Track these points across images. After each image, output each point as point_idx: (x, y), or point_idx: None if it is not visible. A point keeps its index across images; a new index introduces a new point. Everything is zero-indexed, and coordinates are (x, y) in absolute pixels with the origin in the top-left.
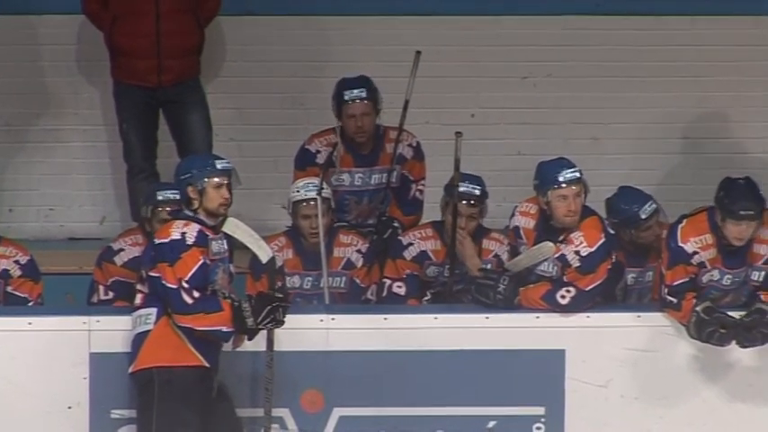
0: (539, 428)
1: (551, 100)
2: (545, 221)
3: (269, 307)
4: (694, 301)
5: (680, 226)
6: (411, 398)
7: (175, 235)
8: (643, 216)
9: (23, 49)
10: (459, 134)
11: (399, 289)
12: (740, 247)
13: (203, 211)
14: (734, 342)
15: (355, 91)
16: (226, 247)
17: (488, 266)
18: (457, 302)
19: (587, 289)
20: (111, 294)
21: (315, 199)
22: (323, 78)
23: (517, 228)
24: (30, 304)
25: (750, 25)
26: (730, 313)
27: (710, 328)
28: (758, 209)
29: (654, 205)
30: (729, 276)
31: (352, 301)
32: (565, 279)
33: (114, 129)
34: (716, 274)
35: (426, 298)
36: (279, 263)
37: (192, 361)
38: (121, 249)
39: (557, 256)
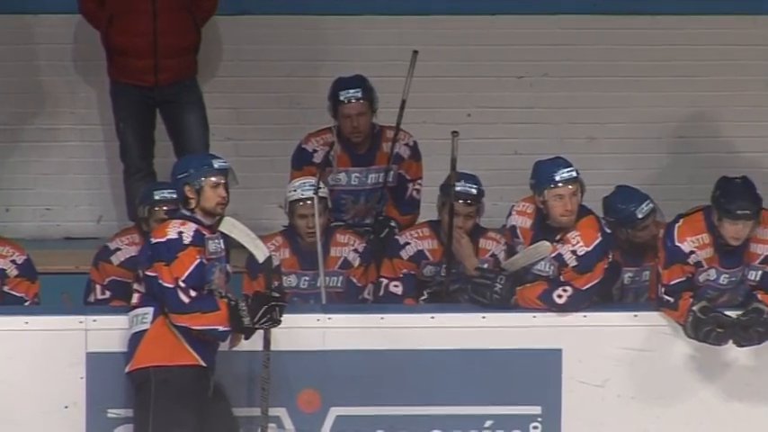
0: (535, 428)
1: (548, 99)
2: (542, 221)
3: (266, 306)
4: (691, 300)
5: (677, 225)
6: (408, 397)
7: (172, 234)
8: (640, 215)
9: (20, 49)
10: (455, 133)
11: (396, 288)
12: (737, 247)
13: (200, 210)
14: (731, 341)
15: (351, 91)
16: (222, 246)
17: (485, 266)
18: (454, 302)
19: (584, 288)
20: (107, 294)
21: (312, 198)
22: (319, 78)
23: (514, 227)
24: (26, 304)
25: (746, 25)
26: (727, 312)
27: (707, 328)
28: (755, 208)
29: (651, 205)
30: (726, 276)
31: (348, 300)
32: (562, 278)
33: (111, 128)
34: (713, 274)
35: (423, 297)
36: (276, 262)
37: (188, 360)
38: (118, 249)
39: (553, 255)
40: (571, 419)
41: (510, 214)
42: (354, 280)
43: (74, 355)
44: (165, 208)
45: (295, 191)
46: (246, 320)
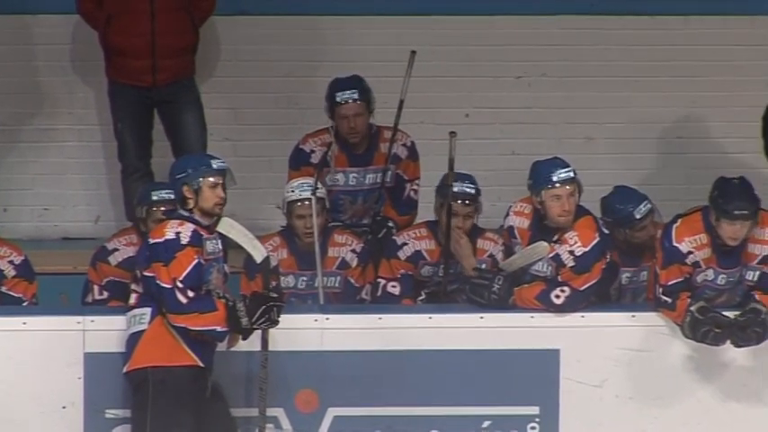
0: (533, 428)
1: (546, 100)
2: (539, 221)
3: (263, 307)
4: (689, 300)
5: (674, 226)
6: (405, 398)
7: (170, 234)
8: (638, 216)
9: (18, 49)
10: (453, 134)
11: (394, 289)
12: (735, 247)
13: (198, 210)
14: (728, 342)
15: (347, 92)
16: (220, 246)
17: (483, 266)
18: (451, 302)
19: (582, 289)
20: (105, 294)
21: (309, 199)
22: (317, 78)
23: (511, 227)
24: (24, 304)
25: (744, 25)
26: (725, 313)
27: (705, 328)
28: (752, 208)
29: (649, 205)
30: (724, 276)
31: (346, 300)
32: (559, 279)
33: (109, 128)
34: (710, 274)
35: (421, 298)
36: (273, 263)
37: (186, 361)
38: (116, 249)
39: (551, 255)
40: (569, 420)
41: (508, 215)
42: (352, 280)
43: (72, 355)
44: (162, 208)
45: (293, 191)
46: (244, 321)
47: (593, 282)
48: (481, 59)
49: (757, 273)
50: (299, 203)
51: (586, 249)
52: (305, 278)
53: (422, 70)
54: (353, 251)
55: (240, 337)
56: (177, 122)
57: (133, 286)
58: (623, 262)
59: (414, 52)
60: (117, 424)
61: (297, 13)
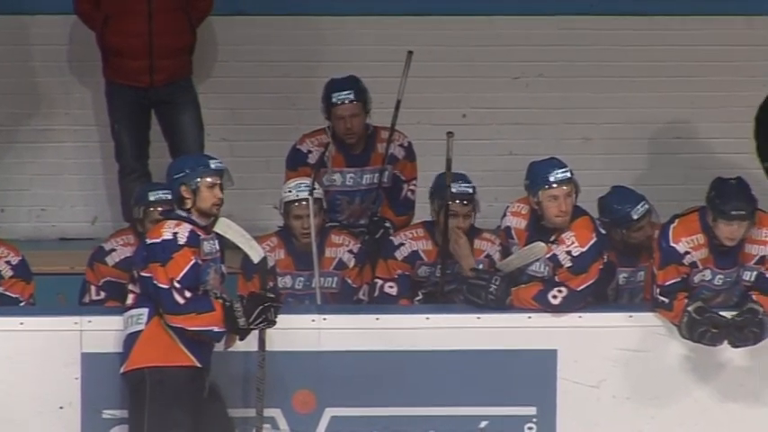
0: (530, 428)
1: (543, 100)
2: (536, 222)
3: (261, 307)
4: (686, 301)
5: (672, 226)
6: (403, 398)
7: (167, 235)
8: (635, 216)
9: (15, 50)
10: (450, 134)
11: (391, 289)
12: (732, 248)
13: (196, 210)
14: (725, 342)
15: (343, 93)
16: (217, 247)
17: (480, 266)
18: (448, 302)
19: (579, 289)
20: (102, 294)
21: (306, 199)
22: (315, 78)
23: (508, 228)
24: (21, 304)
25: (742, 25)
26: (722, 313)
27: (702, 328)
28: (749, 209)
29: (646, 206)
30: (721, 276)
31: (343, 301)
32: (556, 279)
33: (106, 129)
34: (707, 274)
35: (418, 298)
36: (270, 263)
37: (183, 361)
38: (113, 250)
39: (548, 256)
40: (566, 420)
41: (505, 215)
42: (349, 281)
43: (69, 355)
44: (159, 209)
45: (290, 192)
46: (241, 321)
47: (591, 282)
48: (478, 60)
49: (754, 273)
50: (296, 204)
51: (583, 250)
52: (302, 278)
53: (419, 70)
54: (351, 251)
55: (237, 337)
56: (174, 123)
57: (130, 287)
58: (620, 262)
59: (410, 52)
60: (114, 424)
61: (294, 14)
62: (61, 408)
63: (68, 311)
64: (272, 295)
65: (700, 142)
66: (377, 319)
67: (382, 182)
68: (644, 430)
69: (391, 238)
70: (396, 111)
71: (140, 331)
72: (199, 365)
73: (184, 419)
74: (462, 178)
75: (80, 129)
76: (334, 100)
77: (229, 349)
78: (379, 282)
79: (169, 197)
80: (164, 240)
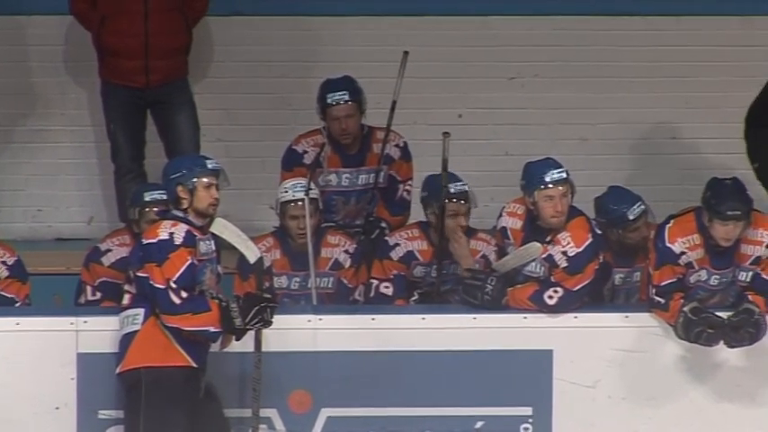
0: (526, 429)
1: (539, 100)
2: (532, 222)
3: (257, 307)
4: (682, 301)
5: (667, 226)
6: (399, 398)
7: (163, 235)
8: (631, 217)
9: (11, 50)
10: (446, 134)
11: (387, 289)
12: (728, 248)
13: (192, 211)
14: (721, 342)
15: (338, 93)
16: (213, 247)
17: (476, 267)
18: (444, 303)
19: (575, 289)
20: (98, 295)
21: (302, 199)
22: (311, 79)
23: (504, 228)
24: (17, 305)
25: (737, 25)
26: (718, 313)
27: (698, 329)
28: (745, 209)
29: (642, 206)
30: (717, 277)
31: (339, 301)
32: (552, 279)
33: (102, 129)
34: (703, 275)
35: (414, 298)
36: (266, 263)
37: (179, 361)
38: (109, 250)
39: (544, 256)
40: (562, 420)
41: (500, 215)
42: (345, 281)
43: (65, 355)
44: (155, 209)
45: (286, 192)
46: (238, 321)
47: (586, 282)
48: (474, 60)
49: (750, 273)
50: (292, 204)
51: (579, 250)
52: (298, 279)
53: (415, 71)
54: (346, 252)
55: (233, 337)
56: (170, 123)
57: (126, 287)
58: (616, 263)
59: (406, 53)
60: (110, 425)
61: (290, 14)
62: (57, 408)
63: (64, 312)
64: (268, 295)
65: (696, 143)
66: (373, 319)
67: (378, 182)
68: (640, 430)
69: (387, 238)
70: (391, 111)
71: (136, 331)
72: (195, 366)
73: (180, 420)
74: (454, 178)
75: (76, 129)
76: (329, 101)
77: (225, 349)
78: (375, 282)
79: (164, 197)
80: (160, 240)
